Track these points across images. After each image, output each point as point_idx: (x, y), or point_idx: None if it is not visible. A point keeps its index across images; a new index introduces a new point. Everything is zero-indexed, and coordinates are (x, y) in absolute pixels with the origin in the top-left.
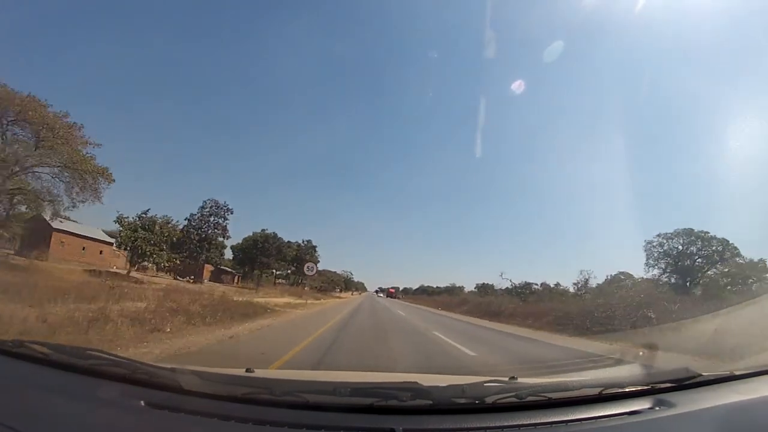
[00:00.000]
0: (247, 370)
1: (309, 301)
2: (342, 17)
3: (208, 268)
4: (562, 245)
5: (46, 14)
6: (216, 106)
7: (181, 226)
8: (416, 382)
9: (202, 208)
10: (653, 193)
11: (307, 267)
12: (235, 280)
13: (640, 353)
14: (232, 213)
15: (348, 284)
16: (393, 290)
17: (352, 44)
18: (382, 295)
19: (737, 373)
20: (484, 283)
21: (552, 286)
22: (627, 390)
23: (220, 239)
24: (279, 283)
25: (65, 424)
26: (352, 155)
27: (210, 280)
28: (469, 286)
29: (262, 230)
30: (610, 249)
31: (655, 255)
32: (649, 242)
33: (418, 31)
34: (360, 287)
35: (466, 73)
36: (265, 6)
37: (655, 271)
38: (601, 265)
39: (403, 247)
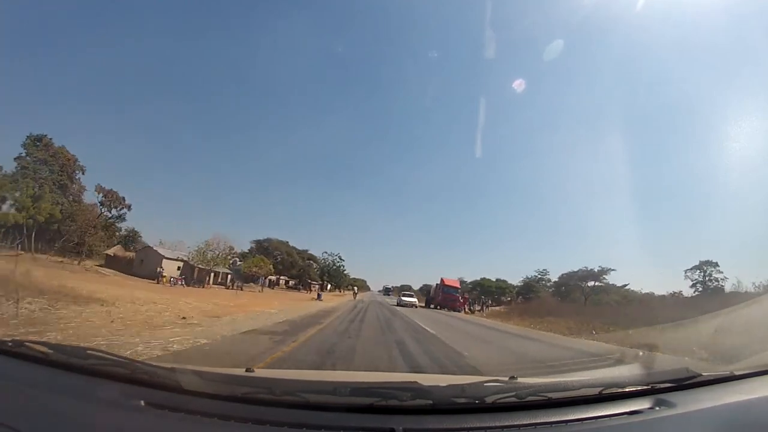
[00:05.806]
0: (247, 370)
1: None
2: (339, 18)
3: None
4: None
5: (43, 14)
6: (211, 105)
7: None
8: (416, 382)
9: None
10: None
11: None
12: None
13: (640, 353)
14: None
15: (335, 279)
16: (454, 282)
17: (351, 46)
18: (433, 305)
19: (737, 373)
20: None
21: None
22: (627, 390)
23: None
24: None
25: (65, 424)
26: (353, 154)
27: None
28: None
29: None
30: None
31: None
32: None
33: (417, 31)
34: (360, 285)
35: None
36: (264, 5)
37: None
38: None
39: (409, 244)
